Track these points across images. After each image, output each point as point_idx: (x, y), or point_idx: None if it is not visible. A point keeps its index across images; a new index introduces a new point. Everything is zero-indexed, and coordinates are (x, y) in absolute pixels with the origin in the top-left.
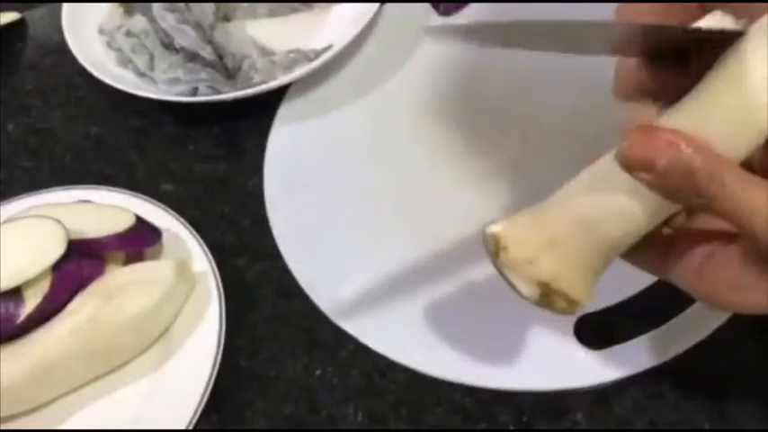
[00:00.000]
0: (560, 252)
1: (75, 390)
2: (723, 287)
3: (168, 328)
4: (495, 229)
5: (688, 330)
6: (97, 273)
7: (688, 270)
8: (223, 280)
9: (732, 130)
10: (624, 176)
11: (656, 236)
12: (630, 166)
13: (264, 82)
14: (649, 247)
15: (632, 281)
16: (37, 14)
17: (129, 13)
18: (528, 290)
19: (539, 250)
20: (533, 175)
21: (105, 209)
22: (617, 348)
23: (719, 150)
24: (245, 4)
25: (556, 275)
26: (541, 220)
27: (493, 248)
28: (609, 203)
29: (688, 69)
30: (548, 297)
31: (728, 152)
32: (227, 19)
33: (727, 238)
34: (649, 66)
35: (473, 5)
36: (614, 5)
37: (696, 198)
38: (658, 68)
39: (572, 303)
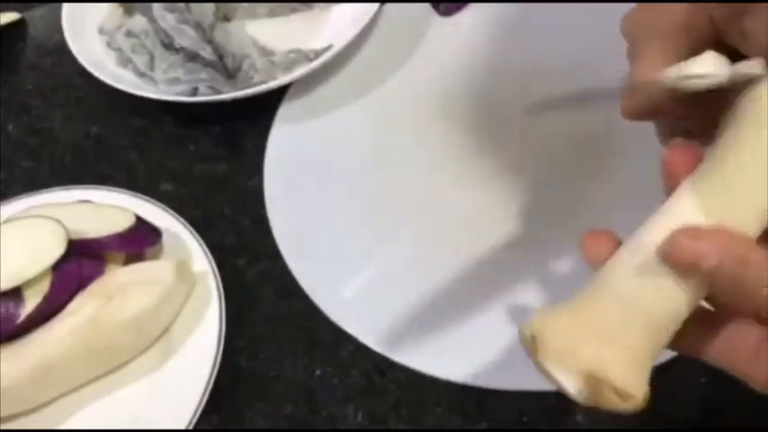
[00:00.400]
0: (602, 337)
1: (75, 390)
2: None
3: (168, 328)
4: (532, 322)
5: None
6: (97, 273)
7: (742, 353)
8: (223, 280)
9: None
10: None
11: (695, 313)
12: (675, 265)
13: (264, 82)
14: (689, 327)
15: None
16: (37, 14)
17: (129, 13)
18: (571, 382)
19: (578, 337)
20: (534, 175)
21: (105, 209)
22: None
23: (747, 230)
24: (245, 4)
25: (599, 362)
26: (579, 306)
27: (530, 343)
28: (651, 280)
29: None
30: (595, 390)
31: (755, 229)
32: (227, 19)
33: None
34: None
35: (473, 5)
36: (614, 5)
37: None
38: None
39: (625, 397)
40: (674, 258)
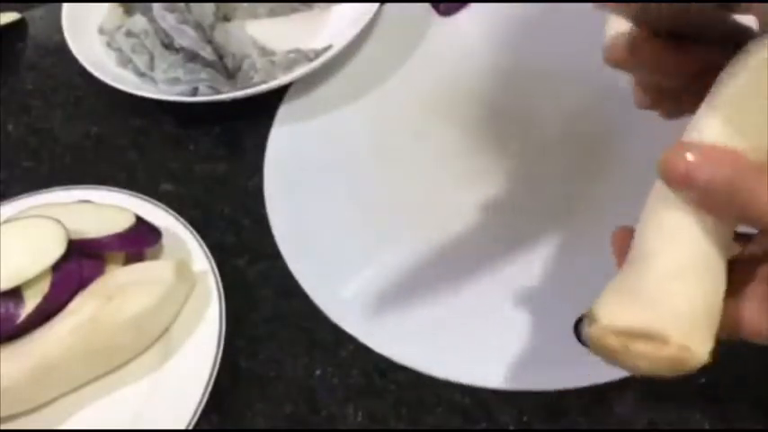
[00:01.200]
0: (616, 290)
1: (75, 390)
2: None
3: (168, 328)
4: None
5: None
6: (97, 273)
7: (754, 315)
8: (223, 280)
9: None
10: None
11: None
12: (671, 180)
13: (264, 82)
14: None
15: None
16: (37, 14)
17: (129, 13)
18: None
19: (605, 297)
20: (534, 174)
21: (105, 209)
22: None
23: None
24: (245, 4)
25: (599, 306)
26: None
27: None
28: (652, 221)
29: (689, 48)
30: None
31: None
32: (227, 19)
33: None
34: (650, 36)
35: (473, 5)
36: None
37: (737, 212)
38: (659, 41)
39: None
40: (668, 172)
